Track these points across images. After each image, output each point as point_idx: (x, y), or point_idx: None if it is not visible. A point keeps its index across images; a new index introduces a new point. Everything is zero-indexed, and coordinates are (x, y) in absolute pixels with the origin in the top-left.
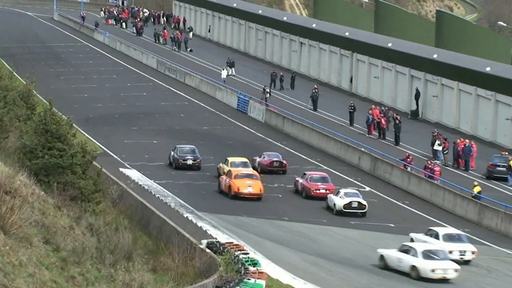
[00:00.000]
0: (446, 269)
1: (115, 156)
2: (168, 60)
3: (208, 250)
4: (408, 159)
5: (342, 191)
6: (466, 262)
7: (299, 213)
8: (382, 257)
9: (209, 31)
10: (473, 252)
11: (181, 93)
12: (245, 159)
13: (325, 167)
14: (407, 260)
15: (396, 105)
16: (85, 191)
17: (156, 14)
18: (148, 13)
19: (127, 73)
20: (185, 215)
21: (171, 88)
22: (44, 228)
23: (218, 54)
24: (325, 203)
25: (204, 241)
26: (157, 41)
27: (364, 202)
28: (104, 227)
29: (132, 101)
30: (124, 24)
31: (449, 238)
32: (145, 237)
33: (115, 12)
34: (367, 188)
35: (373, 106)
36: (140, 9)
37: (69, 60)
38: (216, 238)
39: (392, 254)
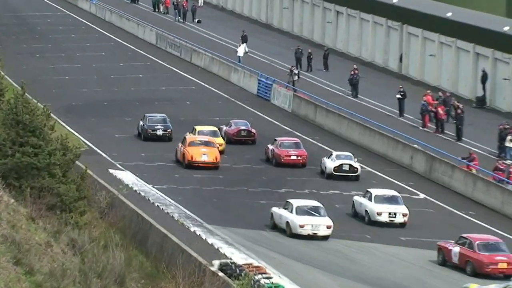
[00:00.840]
0: (317, 225)
1: (104, 155)
2: (170, 33)
3: (221, 274)
4: (472, 158)
5: (335, 153)
6: (402, 225)
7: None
8: (271, 215)
9: None
10: (404, 215)
11: (187, 75)
12: (214, 128)
13: (369, 169)
14: (284, 217)
15: (458, 90)
16: (66, 199)
17: None
18: None
19: (119, 50)
20: (191, 229)
21: (174, 69)
22: (15, 245)
23: (234, 27)
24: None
25: (216, 262)
26: (156, 10)
27: (356, 165)
28: (89, 244)
29: (125, 85)
30: None
31: (383, 199)
32: (141, 256)
33: None
34: (421, 195)
35: (428, 91)
36: None
37: (47, 33)
38: (231, 258)
39: (277, 211)
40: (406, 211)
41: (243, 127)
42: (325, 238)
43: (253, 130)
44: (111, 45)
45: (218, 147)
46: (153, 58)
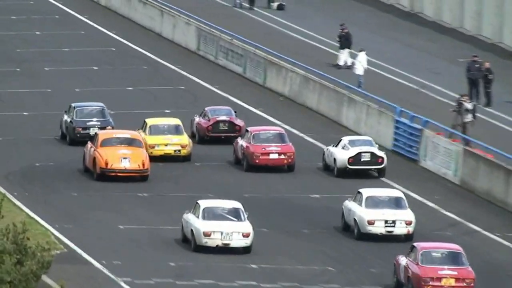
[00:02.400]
0: (229, 233)
1: (94, 262)
2: (225, 30)
3: None
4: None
5: (346, 138)
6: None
7: None
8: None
9: None
10: (408, 223)
11: (257, 112)
12: (176, 121)
13: None
14: (190, 223)
15: None
16: None
17: None
18: None
19: (125, 61)
20: None
21: (232, 100)
22: None
23: (346, 16)
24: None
25: None
26: None
27: (381, 154)
28: None
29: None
30: None
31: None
32: None
33: None
34: None
35: None
36: None
37: None
38: None
39: (185, 217)
40: (410, 218)
41: (223, 117)
42: (244, 250)
43: (239, 122)
44: (111, 51)
45: (144, 147)
46: (190, 76)
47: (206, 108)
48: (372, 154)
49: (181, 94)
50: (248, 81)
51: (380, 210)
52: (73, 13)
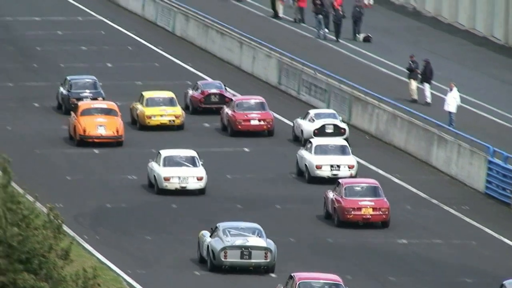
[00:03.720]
0: (185, 177)
1: None
2: (308, 64)
3: None
4: None
5: (312, 111)
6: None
7: None
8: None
9: None
10: (350, 167)
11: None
12: (170, 94)
13: None
14: (154, 170)
15: None
16: None
17: None
18: None
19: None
20: None
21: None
22: None
23: (425, 48)
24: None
25: None
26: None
27: (343, 126)
28: None
29: None
30: None
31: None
32: None
33: None
34: None
35: None
36: None
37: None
38: None
39: (149, 165)
40: (354, 162)
41: (213, 90)
42: (199, 191)
43: (228, 95)
44: (185, 86)
45: (119, 115)
46: (273, 113)
47: (198, 82)
48: (335, 126)
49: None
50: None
51: (327, 156)
52: (147, 44)
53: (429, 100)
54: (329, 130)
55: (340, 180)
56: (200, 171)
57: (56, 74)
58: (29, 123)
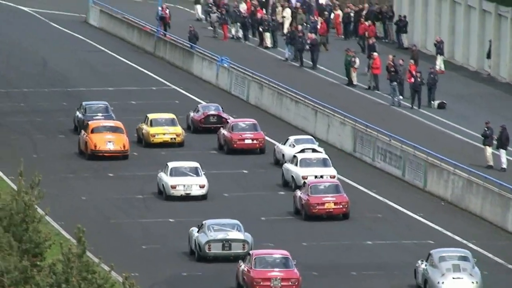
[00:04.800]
0: (189, 185)
1: None
2: (383, 131)
3: None
4: None
5: (292, 138)
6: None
7: None
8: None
9: (488, 54)
10: (332, 177)
11: (416, 217)
12: (172, 116)
13: None
14: (162, 179)
15: None
16: None
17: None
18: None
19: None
20: None
21: (390, 204)
22: None
23: (501, 114)
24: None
25: None
26: (352, 83)
27: (320, 149)
28: None
29: None
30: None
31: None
32: None
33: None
34: None
35: None
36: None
37: None
38: None
39: (159, 175)
40: (334, 173)
41: (212, 112)
42: (202, 197)
43: (225, 116)
44: (260, 155)
45: (125, 133)
46: (347, 180)
47: (199, 105)
48: (313, 150)
49: None
50: (408, 184)
51: (311, 169)
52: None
53: (505, 166)
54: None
55: (306, 181)
56: (202, 180)
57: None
58: (103, 193)
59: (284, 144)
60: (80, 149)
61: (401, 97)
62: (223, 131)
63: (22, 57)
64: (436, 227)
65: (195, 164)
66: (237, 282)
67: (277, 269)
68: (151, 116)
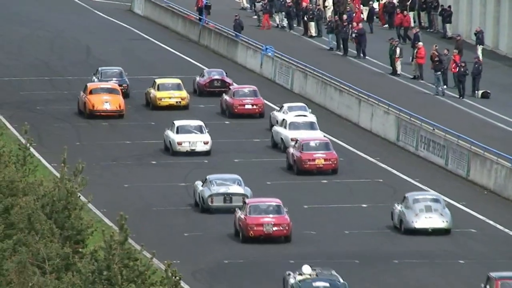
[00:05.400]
0: (194, 142)
1: None
2: (427, 120)
3: None
4: None
5: (286, 105)
6: None
7: None
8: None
9: None
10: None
11: (460, 206)
12: (177, 80)
13: None
14: (169, 137)
15: None
16: None
17: None
18: None
19: None
20: None
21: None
22: None
23: None
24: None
25: None
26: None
27: (311, 116)
28: None
29: None
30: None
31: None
32: None
33: None
34: None
35: None
36: None
37: None
38: None
39: (166, 133)
40: (321, 135)
41: (216, 77)
42: (205, 153)
43: (229, 80)
44: None
45: (121, 94)
46: (390, 169)
47: (204, 70)
48: (305, 117)
49: (379, 187)
50: (451, 173)
51: (298, 131)
52: (266, 102)
53: None
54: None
55: (299, 138)
56: (206, 136)
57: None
58: (145, 180)
59: (279, 111)
60: (79, 109)
61: (445, 86)
62: (226, 96)
63: (66, 45)
64: (479, 216)
65: (199, 122)
66: (235, 228)
67: (270, 216)
68: (158, 81)
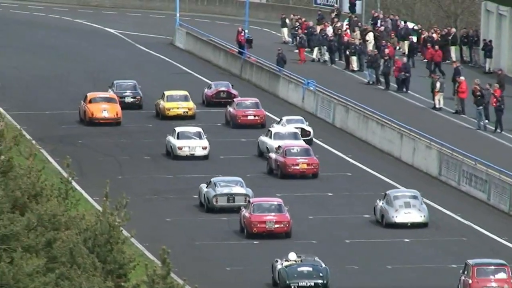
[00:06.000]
0: (194, 146)
1: None
2: (469, 154)
3: None
4: None
5: (285, 118)
6: None
7: None
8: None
9: None
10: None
11: (502, 241)
12: (185, 92)
13: None
14: (170, 142)
15: None
16: None
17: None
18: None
19: (361, 187)
20: None
21: (475, 228)
22: None
23: None
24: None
25: None
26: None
27: (308, 129)
28: None
29: None
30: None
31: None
32: None
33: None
34: None
35: None
36: (396, 20)
37: None
38: None
39: (167, 138)
40: (302, 143)
41: (222, 88)
42: (203, 158)
43: (234, 92)
44: (345, 177)
45: (118, 103)
46: (432, 204)
47: (212, 82)
48: (302, 129)
49: None
50: (493, 208)
51: (283, 141)
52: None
53: None
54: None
55: (280, 145)
56: (205, 142)
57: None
58: (188, 214)
59: (278, 123)
60: (80, 117)
61: (486, 121)
62: (230, 108)
63: (109, 78)
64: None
65: (198, 129)
66: (240, 226)
67: (272, 214)
68: (167, 93)
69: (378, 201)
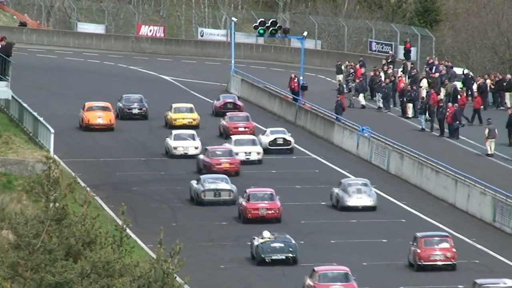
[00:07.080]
0: (187, 147)
1: None
2: None
3: None
4: None
5: (269, 129)
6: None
7: None
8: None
9: None
10: (258, 153)
11: None
12: (190, 105)
13: None
14: (167, 143)
15: None
16: None
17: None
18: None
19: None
20: None
21: None
22: None
23: None
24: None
25: None
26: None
27: (289, 139)
28: None
29: None
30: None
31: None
32: None
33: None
34: None
35: None
36: (446, 67)
37: None
38: None
39: (166, 140)
40: (260, 150)
41: (229, 100)
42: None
43: (240, 103)
44: (399, 224)
45: (112, 111)
46: (487, 250)
47: (220, 95)
48: (284, 139)
49: (475, 267)
50: None
51: (242, 147)
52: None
53: None
54: (280, 141)
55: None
56: (197, 143)
57: None
58: (241, 261)
59: (263, 134)
60: (80, 124)
61: None
62: (223, 121)
63: (163, 125)
64: None
65: (192, 131)
66: (239, 213)
67: (265, 202)
68: (174, 105)
69: (333, 188)
